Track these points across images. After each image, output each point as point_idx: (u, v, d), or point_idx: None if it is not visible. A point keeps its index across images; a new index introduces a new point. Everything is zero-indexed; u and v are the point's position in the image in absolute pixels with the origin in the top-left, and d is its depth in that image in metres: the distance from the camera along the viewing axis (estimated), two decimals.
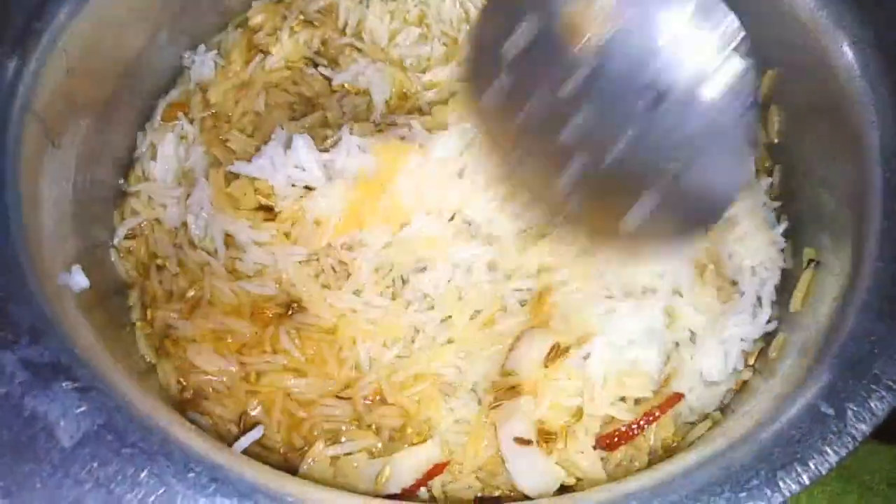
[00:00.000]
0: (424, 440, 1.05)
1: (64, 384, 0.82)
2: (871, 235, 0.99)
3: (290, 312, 1.12)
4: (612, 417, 1.05)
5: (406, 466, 1.02)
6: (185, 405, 1.08)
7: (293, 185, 1.15)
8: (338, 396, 1.09)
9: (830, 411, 0.83)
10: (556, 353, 1.05)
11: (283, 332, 1.09)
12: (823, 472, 0.79)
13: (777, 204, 1.23)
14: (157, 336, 1.14)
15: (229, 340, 1.10)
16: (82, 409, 0.81)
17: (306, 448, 1.05)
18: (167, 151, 1.25)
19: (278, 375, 1.08)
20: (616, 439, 1.04)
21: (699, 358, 1.08)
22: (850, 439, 0.81)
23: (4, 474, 0.77)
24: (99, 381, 0.85)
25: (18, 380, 0.82)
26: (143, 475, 0.78)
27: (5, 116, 0.99)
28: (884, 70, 1.07)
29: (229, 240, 1.15)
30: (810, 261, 1.10)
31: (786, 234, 1.20)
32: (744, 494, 0.78)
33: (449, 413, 1.07)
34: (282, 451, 1.07)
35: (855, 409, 0.83)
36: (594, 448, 1.04)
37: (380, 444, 1.06)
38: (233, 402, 1.08)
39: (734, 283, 1.15)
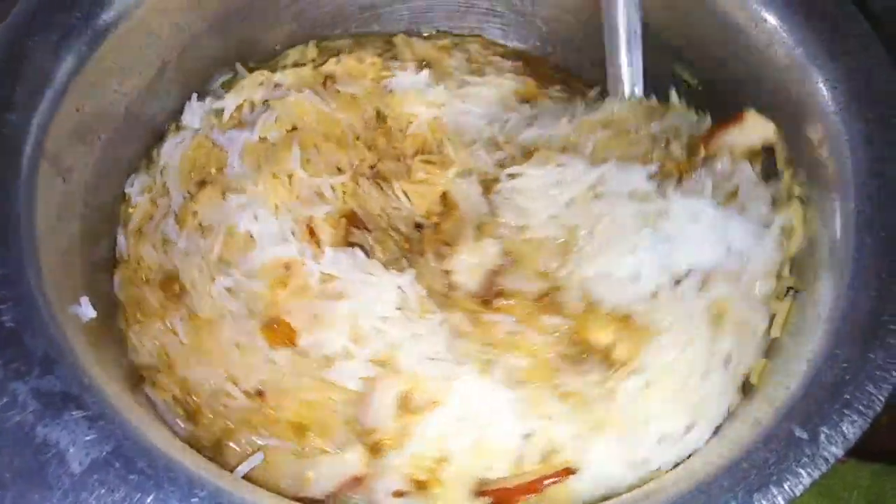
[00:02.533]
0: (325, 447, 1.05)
1: (74, 413, 0.86)
2: (845, 264, 1.03)
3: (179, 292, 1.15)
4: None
5: (328, 472, 1.03)
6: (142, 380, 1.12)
7: None
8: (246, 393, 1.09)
9: (804, 435, 0.87)
10: (408, 404, 1.04)
11: (176, 316, 1.13)
12: (797, 494, 0.83)
13: None
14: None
15: (139, 315, 1.16)
16: (91, 436, 0.85)
17: (225, 441, 1.06)
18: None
19: (177, 355, 1.11)
20: (513, 494, 1.01)
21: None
22: (823, 462, 0.85)
23: (16, 500, 0.81)
24: (108, 409, 0.88)
25: (30, 409, 0.85)
26: (149, 500, 0.82)
27: (18, 153, 1.04)
28: (856, 108, 1.13)
29: None
30: (789, 288, 1.14)
31: None
32: None
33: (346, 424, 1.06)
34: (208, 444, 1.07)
35: (828, 432, 0.87)
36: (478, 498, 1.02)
37: (300, 446, 1.05)
38: (170, 381, 1.11)
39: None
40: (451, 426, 1.03)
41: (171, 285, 1.16)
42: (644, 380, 1.03)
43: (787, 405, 0.92)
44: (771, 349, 1.12)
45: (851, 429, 0.87)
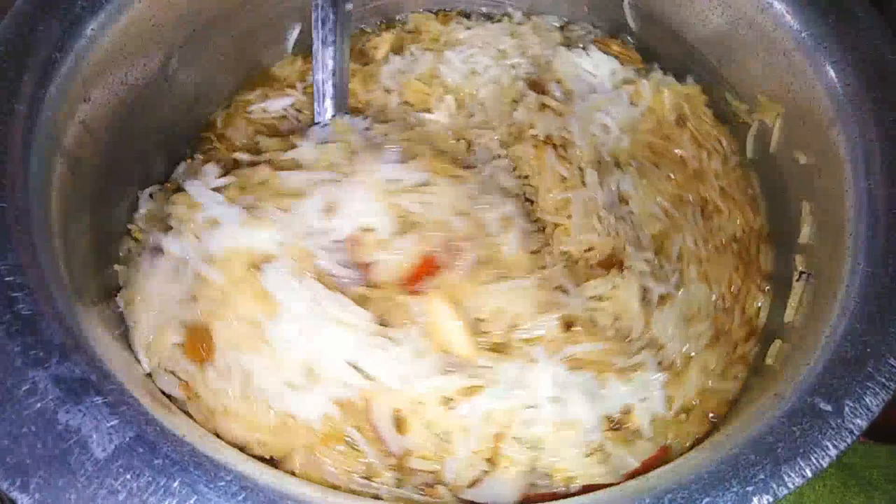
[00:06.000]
0: None
1: (95, 399, 0.85)
2: (858, 244, 1.04)
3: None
4: None
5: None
6: None
7: None
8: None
9: (829, 408, 0.88)
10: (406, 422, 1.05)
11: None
12: (825, 466, 0.84)
13: None
14: None
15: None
16: (114, 422, 0.84)
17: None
18: None
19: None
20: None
21: None
22: (847, 433, 0.86)
23: (41, 487, 0.79)
24: (127, 395, 0.88)
25: (51, 395, 0.84)
26: (175, 485, 0.81)
27: (28, 144, 1.03)
28: (863, 88, 1.14)
29: None
30: (801, 272, 1.16)
31: (778, 245, 1.26)
32: (751, 488, 0.82)
33: None
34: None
35: (851, 405, 0.88)
36: None
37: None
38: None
39: None
40: (497, 404, 1.00)
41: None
42: None
43: (808, 380, 0.92)
44: (786, 331, 1.14)
45: (874, 401, 0.88)
